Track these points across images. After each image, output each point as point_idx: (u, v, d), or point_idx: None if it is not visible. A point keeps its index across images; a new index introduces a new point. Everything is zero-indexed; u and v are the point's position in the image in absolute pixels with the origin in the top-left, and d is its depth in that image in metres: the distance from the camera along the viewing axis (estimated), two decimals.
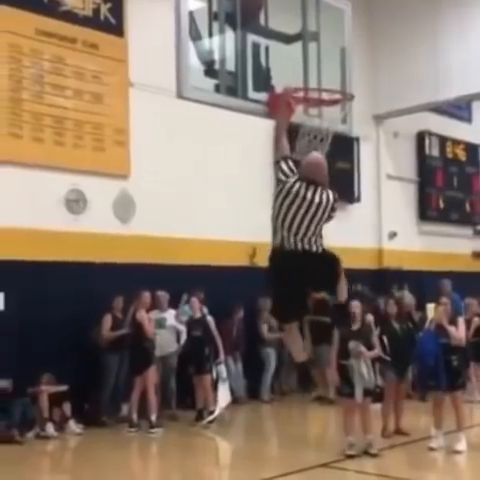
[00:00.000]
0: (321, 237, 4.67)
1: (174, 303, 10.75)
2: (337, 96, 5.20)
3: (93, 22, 10.68)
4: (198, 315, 10.24)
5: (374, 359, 8.23)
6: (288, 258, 4.65)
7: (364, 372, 7.91)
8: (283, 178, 4.64)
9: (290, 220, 4.59)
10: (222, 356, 10.25)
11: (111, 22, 10.91)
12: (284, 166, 4.68)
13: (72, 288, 9.72)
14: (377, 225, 14.96)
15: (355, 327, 8.24)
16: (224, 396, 10.11)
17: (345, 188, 14.20)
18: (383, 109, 14.66)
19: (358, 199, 14.41)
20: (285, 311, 4.85)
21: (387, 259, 14.84)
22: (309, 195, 4.58)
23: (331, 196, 4.66)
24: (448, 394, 8.24)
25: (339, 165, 13.82)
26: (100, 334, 9.97)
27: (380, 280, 14.39)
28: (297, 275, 4.63)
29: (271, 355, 11.94)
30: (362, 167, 14.49)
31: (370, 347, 8.19)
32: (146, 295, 9.80)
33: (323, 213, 4.62)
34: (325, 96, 5.08)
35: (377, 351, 8.32)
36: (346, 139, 13.02)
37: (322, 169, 4.76)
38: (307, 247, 4.62)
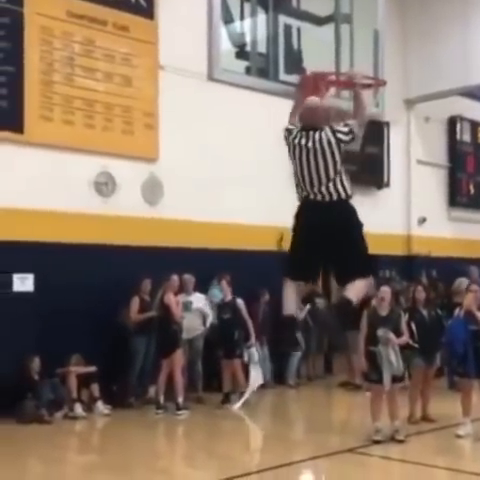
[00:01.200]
0: (338, 181, 4.46)
1: (202, 287, 10.79)
2: (369, 80, 5.11)
3: (124, 4, 10.66)
4: (229, 298, 10.26)
5: (402, 346, 8.18)
6: (306, 211, 4.56)
7: (392, 359, 7.88)
8: (287, 134, 4.65)
9: (300, 172, 4.55)
10: (253, 339, 10.25)
11: (142, 4, 10.88)
12: (289, 126, 4.69)
13: (101, 270, 9.77)
14: (406, 211, 14.83)
15: (384, 313, 8.19)
16: (256, 378, 10.15)
17: (374, 173, 14.13)
18: (414, 93, 14.49)
19: (387, 184, 14.30)
20: (294, 269, 4.70)
21: (416, 245, 14.72)
22: (303, 141, 4.55)
23: (328, 132, 4.51)
24: (477, 381, 8.18)
25: (369, 150, 13.72)
26: (128, 316, 10.04)
27: (409, 266, 14.29)
28: (312, 235, 4.54)
29: (298, 339, 11.96)
30: (392, 152, 14.36)
31: (399, 333, 8.14)
32: (175, 278, 9.82)
33: (323, 154, 4.46)
34: (357, 80, 5.00)
35: (405, 338, 8.27)
36: (376, 124, 12.89)
37: (317, 111, 4.65)
38: (320, 198, 4.49)
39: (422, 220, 14.84)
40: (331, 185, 4.48)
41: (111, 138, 10.44)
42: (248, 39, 5.07)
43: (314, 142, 4.50)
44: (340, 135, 4.52)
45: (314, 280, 4.69)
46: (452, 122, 15.80)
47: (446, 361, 9.27)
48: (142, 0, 10.89)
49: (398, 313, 8.40)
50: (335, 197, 4.50)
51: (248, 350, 10.10)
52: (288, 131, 4.68)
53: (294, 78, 5.11)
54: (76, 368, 9.44)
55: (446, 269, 14.01)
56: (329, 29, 5.55)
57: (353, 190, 4.57)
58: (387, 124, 13.89)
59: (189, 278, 10.40)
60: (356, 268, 4.54)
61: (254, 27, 5.07)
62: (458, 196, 15.67)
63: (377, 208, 13.98)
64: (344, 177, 4.52)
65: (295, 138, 4.60)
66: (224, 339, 10.16)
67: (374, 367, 7.99)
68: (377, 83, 5.26)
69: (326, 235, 4.49)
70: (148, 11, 10.94)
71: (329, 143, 4.49)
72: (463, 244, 15.13)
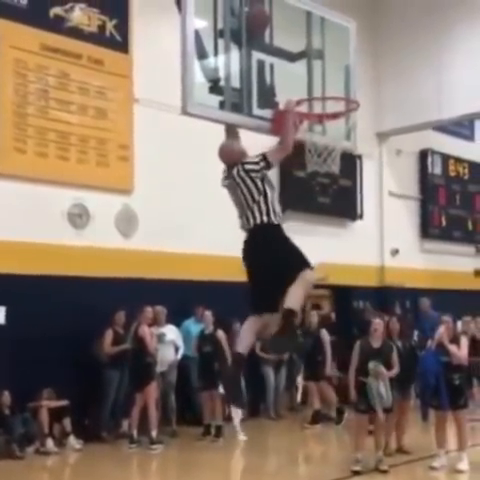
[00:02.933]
0: (255, 209, 4.68)
1: (175, 318, 10.75)
2: (341, 108, 5.20)
3: (98, 38, 10.75)
4: (210, 330, 10.23)
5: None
6: (243, 243, 4.80)
7: (382, 391, 7.96)
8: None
9: (235, 207, 4.89)
10: None
11: (116, 39, 10.98)
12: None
13: (74, 302, 9.70)
14: (379, 242, 14.95)
15: (376, 345, 8.26)
16: (237, 411, 10.10)
17: (348, 205, 14.27)
18: (386, 127, 14.73)
19: (361, 216, 14.44)
20: (253, 301, 4.79)
21: (389, 276, 14.82)
22: (226, 180, 4.91)
23: (239, 166, 4.77)
24: (450, 413, 8.21)
25: (342, 182, 13.89)
26: (101, 349, 9.95)
27: (382, 297, 14.37)
28: (249, 264, 4.73)
29: (269, 373, 11.94)
30: (365, 184, 14.54)
31: (390, 366, 8.21)
32: (149, 310, 9.80)
33: (242, 184, 4.74)
34: (329, 109, 5.11)
35: (396, 370, 8.32)
36: (349, 156, 13.04)
37: (225, 153, 4.96)
38: (246, 227, 4.77)
39: (395, 251, 14.97)
40: (250, 213, 4.75)
41: (85, 170, 10.45)
42: (221, 74, 5.10)
43: (232, 178, 4.84)
44: (248, 166, 4.78)
45: (273, 309, 4.71)
46: (423, 155, 16.04)
47: (419, 393, 9.31)
48: (117, 34, 10.99)
49: (390, 345, 8.45)
50: (255, 222, 4.73)
51: None
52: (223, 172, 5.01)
53: (267, 113, 5.14)
54: (48, 402, 9.31)
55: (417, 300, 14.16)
56: (301, 65, 5.61)
57: (278, 213, 4.76)
58: (359, 157, 14.07)
59: (161, 310, 10.35)
60: (290, 271, 4.63)
61: (227, 62, 5.10)
62: (430, 228, 15.86)
63: (351, 240, 14.12)
64: (263, 204, 4.72)
65: (224, 180, 4.96)
66: (204, 371, 10.11)
67: (363, 398, 8.03)
68: (349, 106, 5.36)
69: (256, 260, 4.72)
70: (123, 45, 11.04)
71: (240, 176, 4.78)
72: (435, 275, 15.28)
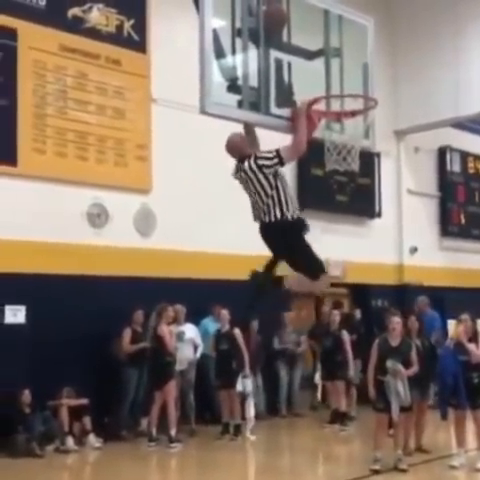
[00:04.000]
0: (270, 205, 4.78)
1: (194, 317, 10.78)
2: (359, 106, 5.18)
3: (116, 38, 10.80)
4: (226, 328, 10.25)
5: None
6: (260, 230, 4.96)
7: (400, 390, 7.92)
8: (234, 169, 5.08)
9: (248, 198, 4.99)
10: (248, 369, 10.22)
11: (134, 38, 11.02)
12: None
13: (93, 302, 9.76)
14: (398, 240, 14.89)
15: (394, 343, 8.22)
16: (251, 410, 10.11)
17: (366, 203, 14.23)
18: (404, 124, 14.66)
19: (379, 214, 14.39)
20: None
21: (408, 275, 14.75)
22: (237, 173, 4.98)
23: (251, 160, 4.82)
24: (469, 412, 8.17)
25: (360, 180, 13.85)
26: (120, 348, 10.00)
27: (400, 296, 14.31)
28: (267, 243, 4.96)
29: (282, 370, 11.97)
30: (383, 182, 14.48)
31: (408, 364, 8.17)
32: (169, 309, 9.80)
33: (254, 179, 4.80)
34: (347, 107, 5.10)
35: (415, 369, 8.25)
36: (367, 154, 12.99)
37: (232, 145, 5.02)
38: (262, 219, 4.88)
39: (414, 250, 14.90)
40: (265, 208, 4.84)
41: (104, 170, 10.50)
42: (239, 73, 5.11)
43: (244, 171, 4.90)
44: (261, 161, 4.81)
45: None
46: (442, 152, 15.95)
47: (438, 392, 9.25)
48: (134, 34, 11.03)
49: (408, 344, 8.40)
50: (270, 217, 4.84)
51: (243, 380, 10.06)
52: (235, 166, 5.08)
53: (285, 111, 5.13)
54: (68, 400, 9.37)
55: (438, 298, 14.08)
56: (319, 63, 5.59)
57: (292, 208, 4.84)
58: (378, 155, 14.01)
59: (181, 308, 10.39)
60: (303, 268, 4.92)
61: (245, 61, 5.10)
62: (449, 226, 15.75)
63: (369, 238, 14.09)
64: (276, 199, 4.80)
65: (236, 173, 5.03)
66: (222, 370, 10.13)
67: (381, 396, 8.01)
68: (367, 103, 5.35)
69: (274, 245, 4.95)
70: (140, 45, 11.08)
71: (252, 170, 4.83)
72: (454, 273, 15.18)
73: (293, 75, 5.44)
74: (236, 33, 5.23)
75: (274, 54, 5.28)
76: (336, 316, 11.45)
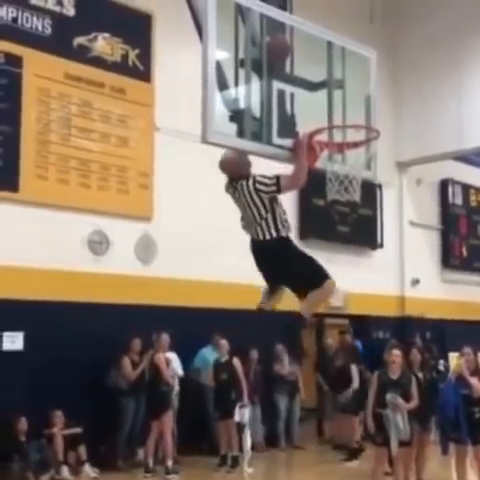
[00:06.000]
0: (263, 225, 4.79)
1: (194, 345, 10.72)
2: (362, 137, 5.19)
3: (121, 68, 10.87)
4: (225, 358, 10.15)
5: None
6: (251, 247, 4.97)
7: (400, 424, 7.82)
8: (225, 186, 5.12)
9: (240, 216, 5.04)
10: (246, 399, 10.10)
11: (139, 68, 11.10)
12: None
13: (92, 329, 9.68)
14: (399, 272, 14.85)
15: (394, 376, 8.13)
16: (248, 441, 9.98)
17: (367, 234, 14.22)
18: (406, 156, 14.70)
19: (381, 245, 14.37)
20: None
21: (409, 307, 14.68)
22: (232, 191, 5.00)
23: (250, 181, 4.83)
24: (471, 447, 8.06)
25: (362, 211, 13.86)
26: (122, 376, 9.87)
27: (402, 328, 14.23)
28: (259, 264, 4.94)
29: (281, 402, 11.85)
30: (385, 214, 14.49)
31: (408, 398, 8.08)
32: (165, 337, 9.75)
33: (249, 201, 4.82)
34: (350, 139, 5.10)
35: (415, 402, 8.16)
36: (369, 185, 12.99)
37: (226, 165, 5.02)
38: (255, 236, 4.89)
39: (415, 281, 14.86)
40: (258, 228, 4.85)
41: (106, 197, 10.51)
42: (242, 103, 5.12)
43: (239, 192, 4.92)
44: (259, 186, 4.81)
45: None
46: (444, 185, 15.98)
47: (439, 426, 9.15)
48: (139, 64, 11.11)
49: (409, 377, 8.31)
50: (265, 237, 4.82)
51: (240, 410, 9.96)
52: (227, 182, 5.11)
53: (287, 142, 5.14)
54: (60, 429, 9.23)
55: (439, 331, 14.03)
56: (322, 94, 5.61)
57: (286, 227, 4.85)
58: (380, 186, 14.04)
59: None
60: (304, 283, 4.80)
61: (248, 92, 5.12)
62: (451, 258, 15.72)
63: (370, 269, 14.05)
64: (271, 220, 4.81)
65: (228, 188, 5.06)
66: (221, 400, 10.02)
67: (380, 430, 7.91)
68: (370, 134, 5.35)
69: (267, 265, 4.91)
70: (145, 74, 11.16)
71: (249, 192, 4.84)
72: (456, 306, 15.11)
73: (296, 106, 5.44)
74: (239, 64, 5.25)
75: (277, 85, 5.29)
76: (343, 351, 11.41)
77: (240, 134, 5.04)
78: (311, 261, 4.91)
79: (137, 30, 11.08)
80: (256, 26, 5.25)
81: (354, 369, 11.05)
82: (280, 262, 4.84)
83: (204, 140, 4.80)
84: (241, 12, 5.25)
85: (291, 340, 5.54)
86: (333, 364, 11.96)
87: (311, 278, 4.81)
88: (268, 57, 5.19)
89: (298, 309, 4.78)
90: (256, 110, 5.13)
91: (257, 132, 5.06)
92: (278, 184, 4.79)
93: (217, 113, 4.96)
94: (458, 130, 13.59)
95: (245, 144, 5.00)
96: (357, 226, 13.87)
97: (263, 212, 4.82)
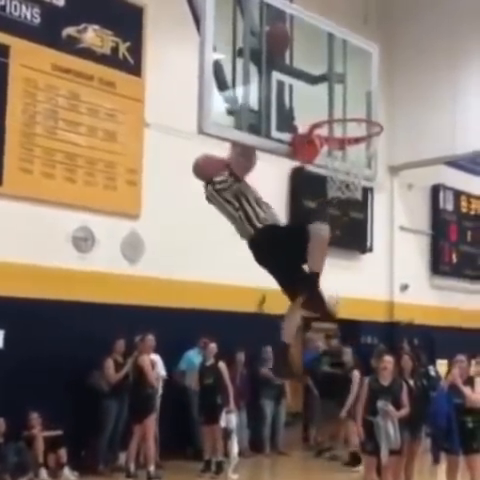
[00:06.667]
0: (243, 222, 4.68)
1: (180, 347, 10.45)
2: (363, 134, 4.98)
3: (111, 60, 10.60)
4: (211, 362, 9.89)
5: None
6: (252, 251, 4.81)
7: (391, 432, 7.61)
8: None
9: None
10: (232, 405, 9.84)
11: (129, 61, 10.84)
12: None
13: (74, 328, 9.40)
14: (389, 277, 14.66)
15: (385, 383, 7.92)
16: (235, 447, 9.72)
17: (358, 238, 14.02)
18: (398, 160, 14.51)
19: (370, 249, 14.18)
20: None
21: (398, 312, 14.50)
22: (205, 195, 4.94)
23: (210, 186, 4.80)
24: (463, 457, 7.86)
25: (352, 214, 13.67)
26: (103, 377, 9.60)
27: (390, 334, 14.04)
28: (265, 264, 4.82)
29: (267, 406, 11.59)
30: (375, 218, 14.29)
31: (399, 405, 7.86)
32: (150, 338, 9.49)
33: (217, 205, 4.81)
34: (351, 135, 4.88)
35: (406, 410, 7.95)
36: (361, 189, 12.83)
37: (197, 170, 5.04)
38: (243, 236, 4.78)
39: (404, 287, 14.68)
40: (237, 228, 4.79)
41: (92, 193, 10.22)
42: (240, 94, 4.88)
43: (207, 198, 4.90)
44: (218, 186, 4.76)
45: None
46: (435, 190, 15.81)
47: (430, 435, 8.96)
48: (129, 57, 10.84)
49: (400, 383, 8.10)
50: (248, 235, 4.71)
51: (227, 415, 9.71)
52: None
53: (286, 136, 4.90)
54: (40, 431, 8.94)
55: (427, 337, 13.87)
56: (322, 88, 5.38)
57: (262, 219, 4.67)
58: (371, 190, 13.86)
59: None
60: (299, 237, 4.56)
61: (246, 82, 4.88)
62: (441, 264, 15.55)
63: (360, 273, 13.85)
64: (244, 218, 4.69)
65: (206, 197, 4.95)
66: (206, 405, 9.77)
67: (370, 438, 7.70)
68: (371, 131, 5.14)
69: (269, 262, 4.79)
70: (135, 68, 10.89)
71: (213, 196, 4.82)
72: (446, 312, 14.94)
73: (295, 99, 5.22)
74: (237, 53, 5.01)
75: (276, 76, 5.05)
76: (347, 355, 11.16)
77: (237, 126, 4.80)
78: (291, 223, 4.83)
79: (128, 23, 10.82)
80: (255, 15, 5.02)
81: (356, 375, 10.71)
82: (271, 247, 4.66)
83: (200, 131, 4.56)
84: (239, 0, 5.03)
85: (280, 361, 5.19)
86: (320, 369, 11.72)
87: (298, 229, 4.63)
88: (267, 47, 4.95)
89: (310, 270, 4.56)
90: (254, 101, 4.90)
91: (255, 125, 4.82)
92: (232, 173, 4.68)
93: (214, 104, 4.73)
94: (451, 135, 13.43)
95: (242, 136, 4.77)
96: (347, 229, 13.65)
97: (234, 213, 4.73)
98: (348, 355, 11.25)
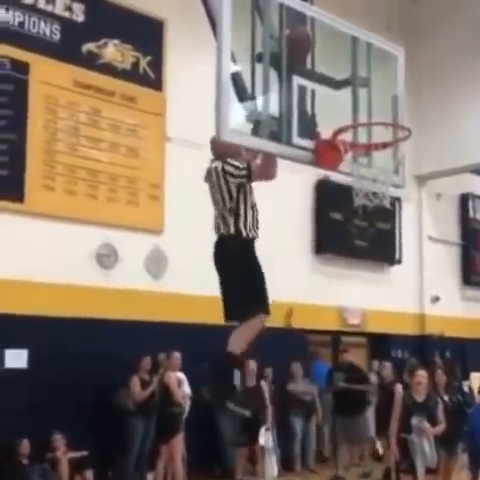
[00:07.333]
0: (230, 216, 4.40)
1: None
2: (389, 139, 4.78)
3: (132, 75, 10.52)
4: (253, 383, 9.68)
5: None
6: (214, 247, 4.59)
7: (426, 449, 7.32)
8: None
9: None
10: (269, 422, 9.59)
11: (150, 76, 10.75)
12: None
13: (99, 346, 9.24)
14: (419, 289, 14.36)
15: (420, 399, 7.63)
16: (274, 466, 9.48)
17: (386, 249, 13.75)
18: (425, 170, 14.23)
19: (399, 261, 13.89)
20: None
21: (429, 325, 14.17)
22: (207, 176, 4.62)
23: (220, 163, 4.45)
24: None
25: (380, 225, 13.43)
26: (130, 396, 9.41)
27: (421, 347, 13.72)
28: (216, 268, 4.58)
29: (296, 423, 11.29)
30: (403, 228, 14.02)
31: (435, 421, 7.58)
32: (176, 356, 9.30)
33: (215, 184, 4.47)
34: (376, 139, 4.68)
35: (442, 426, 7.65)
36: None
37: (217, 143, 4.49)
38: (217, 230, 4.53)
39: (435, 299, 14.36)
40: (221, 219, 4.49)
41: (115, 209, 10.11)
42: (259, 101, 4.70)
43: (208, 172, 4.57)
44: (228, 167, 4.42)
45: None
46: (464, 199, 15.51)
47: (467, 451, 8.63)
48: (150, 72, 10.76)
49: (435, 399, 7.82)
50: (224, 231, 4.47)
51: (266, 433, 9.46)
52: None
53: (308, 142, 4.70)
54: (65, 453, 8.76)
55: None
56: (345, 93, 5.18)
57: (250, 228, 4.42)
58: (398, 200, 13.60)
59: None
60: (238, 301, 4.34)
61: (266, 88, 4.70)
62: (472, 275, 15.21)
63: (389, 285, 13.59)
64: (233, 213, 4.42)
65: (205, 175, 4.67)
66: (248, 426, 9.57)
67: (405, 456, 7.43)
68: (399, 135, 4.93)
69: (219, 270, 4.56)
70: (156, 83, 10.80)
71: (216, 174, 4.46)
72: (477, 324, 14.57)
73: (317, 104, 5.03)
74: (256, 58, 4.85)
75: (297, 81, 4.87)
76: (387, 369, 10.83)
77: (257, 133, 4.62)
78: (259, 280, 4.40)
79: (148, 37, 10.74)
80: (274, 19, 4.85)
81: (399, 389, 10.33)
82: (225, 266, 4.46)
83: (219, 139, 4.39)
84: (257, 4, 4.86)
85: (224, 386, 4.69)
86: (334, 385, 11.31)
87: (247, 300, 4.31)
88: (288, 51, 4.77)
89: (227, 349, 4.28)
90: (275, 107, 4.71)
91: (276, 131, 4.63)
92: (249, 169, 4.39)
93: (232, 111, 4.55)
94: (479, 143, 13.14)
95: (263, 144, 4.58)
96: (375, 241, 13.41)
97: (227, 201, 4.43)
98: (387, 369, 10.93)
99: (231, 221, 4.44)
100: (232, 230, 4.41)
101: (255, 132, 4.60)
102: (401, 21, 14.06)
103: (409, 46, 13.76)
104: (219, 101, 4.40)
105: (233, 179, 4.45)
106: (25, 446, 8.56)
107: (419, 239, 14.54)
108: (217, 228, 4.58)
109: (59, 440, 8.82)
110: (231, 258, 4.43)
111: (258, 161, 4.57)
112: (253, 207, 4.50)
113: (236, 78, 4.70)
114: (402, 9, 14.35)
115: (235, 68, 4.67)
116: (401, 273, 13.89)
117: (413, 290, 14.26)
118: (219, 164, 4.51)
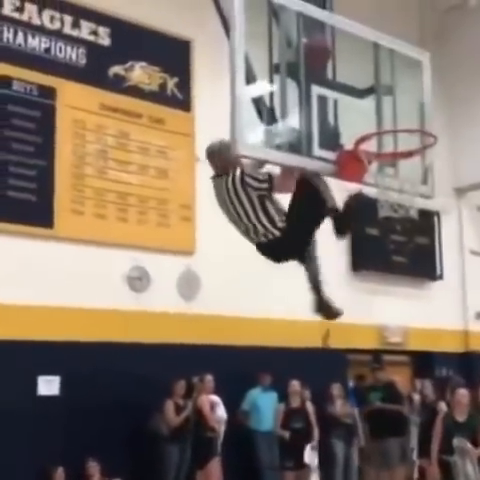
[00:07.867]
0: (260, 226, 4.58)
1: (240, 387, 10.03)
2: (415, 147, 4.58)
3: (159, 97, 10.46)
4: (297, 404, 9.47)
5: None
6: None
7: (470, 471, 7.01)
8: None
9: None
10: (316, 441, 9.35)
11: (178, 97, 10.68)
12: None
13: (132, 371, 9.10)
14: (462, 304, 13.92)
15: (461, 418, 7.33)
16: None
17: (426, 265, 13.40)
18: (465, 182, 13.88)
19: (441, 276, 13.51)
20: None
21: (473, 341, 13.72)
22: (217, 180, 4.89)
23: (237, 176, 4.52)
24: None
25: (419, 240, 13.11)
26: (164, 421, 9.24)
27: (466, 365, 13.27)
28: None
29: (337, 446, 10.89)
30: (444, 242, 13.65)
31: (477, 441, 7.26)
32: (209, 379, 9.13)
33: (234, 199, 4.58)
34: (402, 148, 4.48)
35: None
36: (426, 213, 12.27)
37: (221, 157, 4.84)
38: (255, 239, 4.82)
39: (479, 315, 13.91)
40: (252, 228, 4.73)
41: (145, 231, 10.02)
42: (278, 112, 4.55)
43: (225, 186, 4.70)
44: (248, 179, 4.45)
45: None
46: None
47: None
48: (178, 92, 10.70)
49: (477, 419, 7.49)
50: (263, 238, 4.77)
51: (311, 451, 9.22)
52: None
53: (330, 154, 4.52)
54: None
55: None
56: (368, 102, 5.00)
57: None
58: (437, 214, 13.28)
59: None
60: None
61: (284, 99, 4.56)
62: None
63: (430, 301, 13.21)
64: (266, 221, 4.58)
65: (214, 177, 4.85)
66: (294, 450, 9.39)
67: (448, 478, 7.12)
68: (425, 142, 4.72)
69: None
70: (184, 103, 10.72)
71: (234, 188, 4.55)
72: None
73: (339, 114, 4.86)
74: (274, 69, 4.70)
75: (317, 91, 4.70)
76: (428, 387, 10.49)
77: (276, 147, 4.46)
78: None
79: (175, 58, 10.68)
80: (291, 27, 4.71)
81: (443, 407, 9.80)
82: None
83: (234, 153, 4.25)
84: (274, 12, 4.72)
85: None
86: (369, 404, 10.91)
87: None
88: (306, 60, 4.62)
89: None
90: (295, 119, 4.55)
91: (295, 143, 4.47)
92: (271, 182, 4.38)
93: (250, 124, 4.41)
94: None
95: (282, 157, 4.42)
96: (414, 256, 13.07)
97: (251, 214, 4.54)
98: (428, 388, 10.56)
99: (260, 230, 4.66)
100: (270, 236, 4.65)
101: (275, 145, 4.45)
102: (433, 31, 13.79)
103: (443, 54, 13.55)
104: (234, 112, 4.29)
105: (253, 191, 4.45)
106: (60, 474, 8.46)
107: (460, 253, 14.13)
108: (251, 236, 4.81)
109: (94, 467, 8.70)
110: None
111: (277, 172, 4.48)
112: (277, 209, 4.58)
113: (250, 75, 4.60)
114: (437, 20, 14.05)
115: (259, 90, 4.62)
116: (443, 289, 13.50)
117: (456, 306, 13.84)
118: (236, 178, 4.49)
